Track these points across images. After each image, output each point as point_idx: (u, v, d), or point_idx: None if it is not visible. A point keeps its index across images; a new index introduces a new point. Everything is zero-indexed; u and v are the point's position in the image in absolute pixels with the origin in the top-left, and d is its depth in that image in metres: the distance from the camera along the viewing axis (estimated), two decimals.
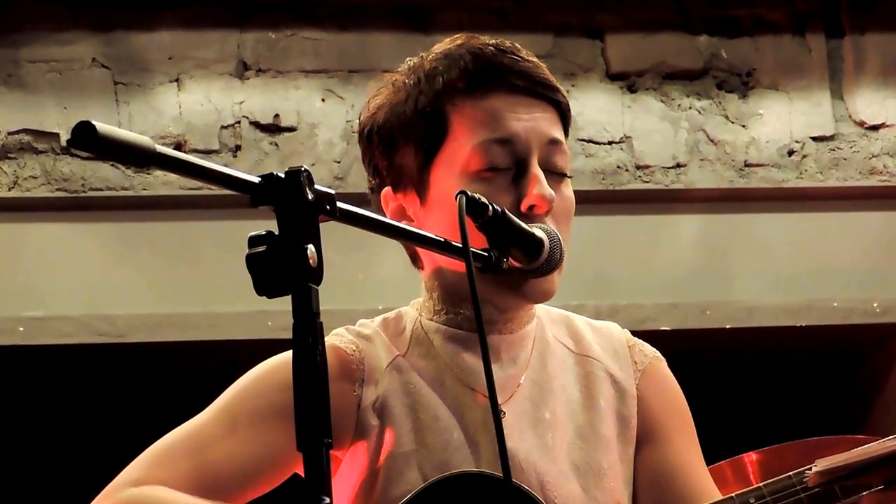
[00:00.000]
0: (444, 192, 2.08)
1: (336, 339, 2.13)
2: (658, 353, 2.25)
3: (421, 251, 2.17)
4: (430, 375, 2.12)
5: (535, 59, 2.15)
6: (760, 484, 2.06)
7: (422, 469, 2.06)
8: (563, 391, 2.16)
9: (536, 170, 2.08)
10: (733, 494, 2.06)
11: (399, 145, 2.13)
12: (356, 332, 2.15)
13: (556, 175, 2.11)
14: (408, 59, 2.19)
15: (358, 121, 2.21)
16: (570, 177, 2.14)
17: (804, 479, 2.05)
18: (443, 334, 2.14)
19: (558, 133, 2.12)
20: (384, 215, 2.15)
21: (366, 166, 2.20)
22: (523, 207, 2.06)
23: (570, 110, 2.17)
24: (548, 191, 2.07)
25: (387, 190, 2.16)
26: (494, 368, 2.08)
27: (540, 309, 2.21)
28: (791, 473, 2.05)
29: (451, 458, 2.06)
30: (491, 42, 2.14)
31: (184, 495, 2.00)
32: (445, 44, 2.17)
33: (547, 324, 2.22)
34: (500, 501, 2.00)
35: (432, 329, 2.15)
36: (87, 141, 1.40)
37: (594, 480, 2.11)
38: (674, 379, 2.25)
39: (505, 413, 2.10)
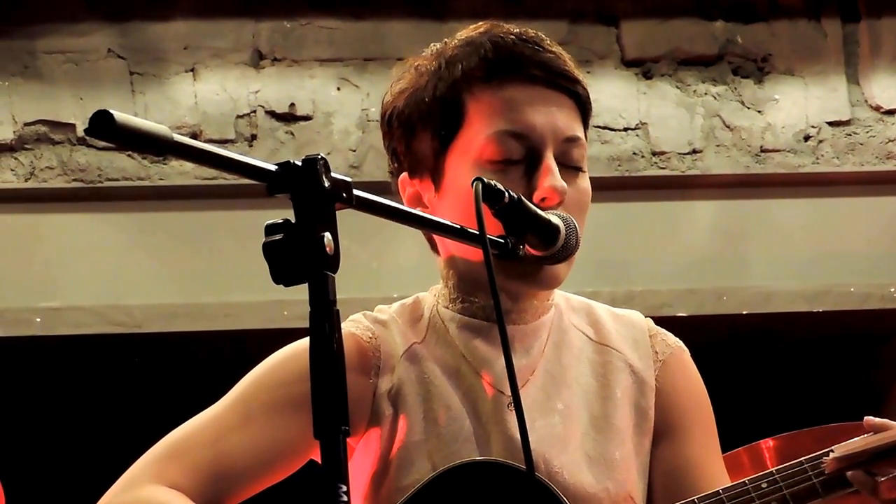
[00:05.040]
0: (457, 180, 2.08)
1: (352, 325, 2.13)
2: (681, 344, 2.23)
3: (437, 238, 2.16)
4: (445, 364, 2.12)
5: (557, 50, 2.14)
6: (772, 469, 2.06)
7: (432, 459, 2.06)
8: (577, 382, 2.15)
9: (550, 161, 2.07)
10: (745, 479, 2.05)
11: (417, 131, 2.13)
12: (373, 317, 2.15)
13: (570, 168, 2.10)
14: (432, 44, 2.18)
15: (381, 104, 2.19)
16: (583, 171, 2.13)
17: (821, 465, 2.05)
18: (458, 323, 2.14)
19: (576, 128, 2.11)
20: (402, 200, 2.16)
21: (386, 150, 2.19)
22: (535, 199, 2.05)
23: (590, 102, 2.16)
24: (560, 183, 2.06)
25: (404, 175, 2.16)
26: None
27: (559, 297, 2.20)
28: (804, 458, 2.05)
29: (461, 448, 2.06)
30: (514, 31, 2.13)
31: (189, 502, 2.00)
32: (469, 30, 2.16)
33: (566, 311, 2.20)
34: (512, 490, 2.00)
35: (448, 317, 2.15)
36: (104, 130, 1.40)
37: (606, 472, 2.10)
38: (695, 370, 2.23)
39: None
